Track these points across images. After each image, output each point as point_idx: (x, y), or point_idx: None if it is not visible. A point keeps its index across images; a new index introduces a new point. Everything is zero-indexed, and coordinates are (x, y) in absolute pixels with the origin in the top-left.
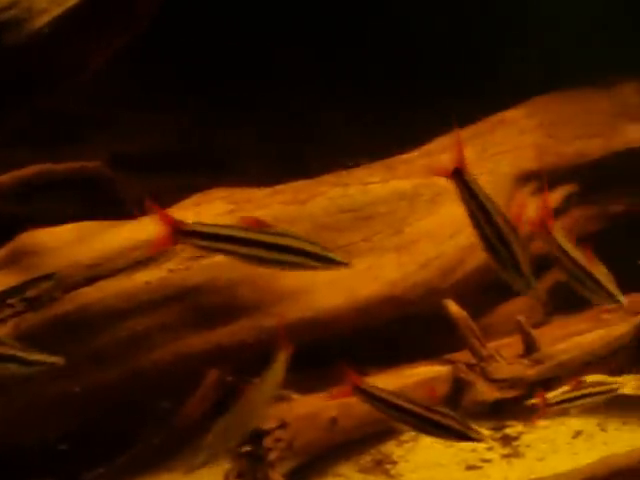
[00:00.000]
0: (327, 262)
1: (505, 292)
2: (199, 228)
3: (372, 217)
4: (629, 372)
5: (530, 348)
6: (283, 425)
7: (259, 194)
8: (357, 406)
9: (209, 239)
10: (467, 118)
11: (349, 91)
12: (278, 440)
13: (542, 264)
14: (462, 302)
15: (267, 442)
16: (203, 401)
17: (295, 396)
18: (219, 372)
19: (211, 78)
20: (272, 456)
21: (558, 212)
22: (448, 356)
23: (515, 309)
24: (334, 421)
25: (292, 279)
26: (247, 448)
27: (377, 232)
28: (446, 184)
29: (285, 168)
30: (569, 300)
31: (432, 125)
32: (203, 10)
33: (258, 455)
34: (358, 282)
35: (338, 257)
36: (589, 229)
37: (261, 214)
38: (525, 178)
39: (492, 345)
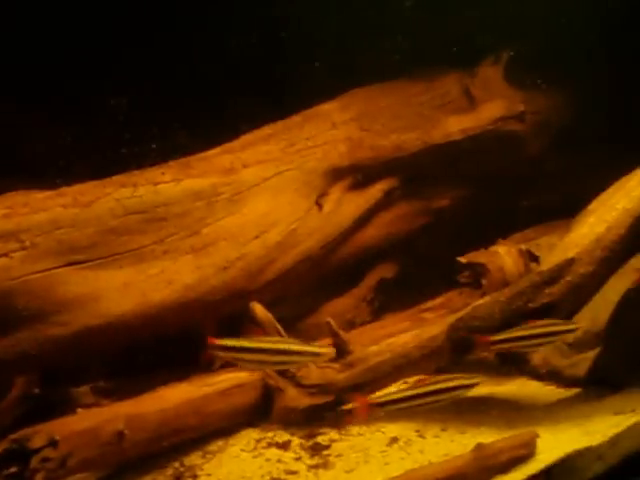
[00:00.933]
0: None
1: (332, 290)
2: None
3: (165, 219)
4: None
5: (341, 351)
6: (53, 443)
7: (39, 197)
8: (150, 417)
9: None
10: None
11: (156, 90)
12: (46, 460)
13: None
14: (282, 302)
15: (33, 462)
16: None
17: (80, 410)
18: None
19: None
20: (38, 477)
21: (379, 208)
22: None
23: (341, 308)
24: (121, 435)
25: (77, 286)
26: (12, 469)
27: (171, 234)
28: (249, 181)
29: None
30: (396, 298)
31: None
32: None
33: (23, 477)
34: (150, 287)
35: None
36: (414, 224)
37: (39, 218)
38: (338, 173)
39: None
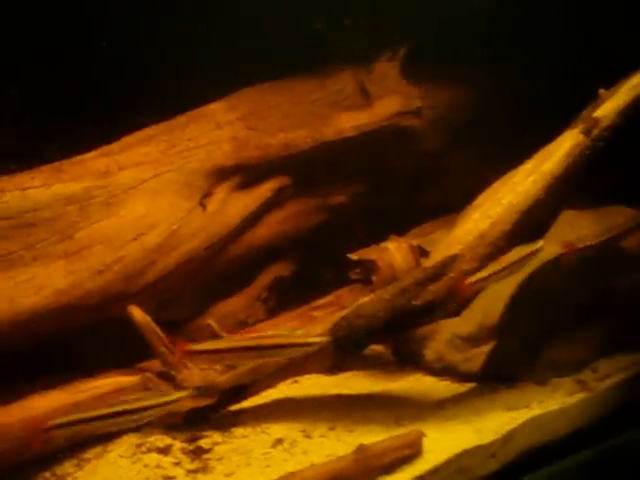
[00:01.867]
0: None
1: (225, 290)
2: None
3: (34, 224)
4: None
5: None
6: None
7: None
8: (15, 426)
9: None
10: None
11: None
12: None
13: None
14: (173, 304)
15: None
16: None
17: None
18: None
19: None
20: None
21: (271, 206)
22: (143, 365)
23: (234, 308)
24: None
25: None
26: None
27: (41, 240)
28: (125, 183)
29: None
30: (293, 296)
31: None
32: None
33: None
34: (19, 293)
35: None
36: (310, 222)
37: None
38: (222, 173)
39: None
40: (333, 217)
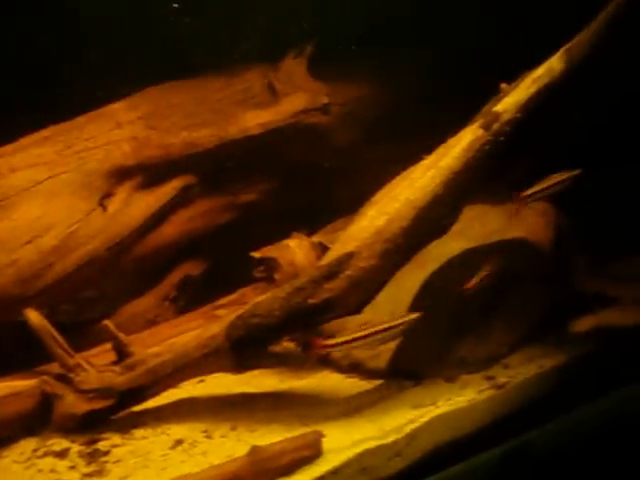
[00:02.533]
0: None
1: (134, 291)
2: None
3: None
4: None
5: (121, 354)
6: None
7: None
8: None
9: None
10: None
11: None
12: None
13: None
14: (70, 306)
15: None
16: None
17: None
18: None
19: None
20: None
21: (177, 205)
22: (41, 368)
23: (142, 308)
24: None
25: None
26: None
27: None
28: (18, 185)
29: None
30: (205, 295)
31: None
32: None
33: None
34: None
35: None
36: (219, 220)
37: None
38: (123, 173)
39: (90, 353)
40: (243, 215)
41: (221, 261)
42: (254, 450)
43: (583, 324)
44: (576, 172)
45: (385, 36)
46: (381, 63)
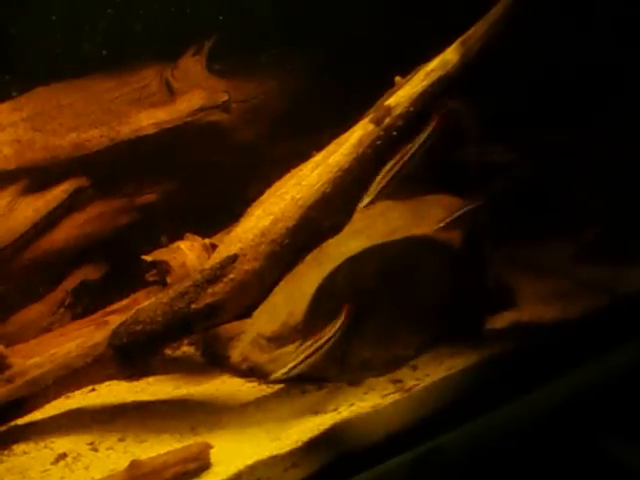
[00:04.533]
0: None
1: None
2: None
3: None
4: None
5: (0, 366)
6: None
7: None
8: None
9: None
10: None
11: None
12: None
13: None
14: None
15: None
16: None
17: None
18: None
19: None
20: None
21: (68, 209)
22: None
23: (35, 315)
24: None
25: None
26: None
27: None
28: None
29: None
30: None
31: None
32: None
33: None
34: None
35: None
36: (117, 223)
37: None
38: (5, 177)
39: None
40: (143, 217)
41: (120, 265)
42: (133, 464)
43: (497, 321)
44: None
45: (286, 34)
46: (282, 60)
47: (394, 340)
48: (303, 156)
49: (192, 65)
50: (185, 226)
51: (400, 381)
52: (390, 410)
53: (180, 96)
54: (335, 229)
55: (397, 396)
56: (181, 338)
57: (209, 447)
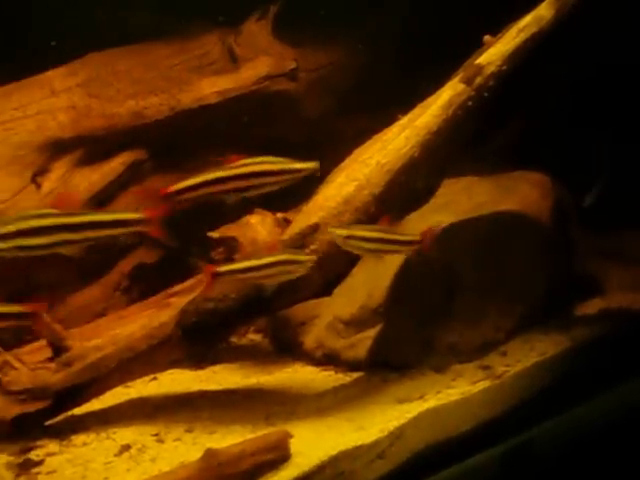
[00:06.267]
0: None
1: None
2: None
3: None
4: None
5: (57, 349)
6: None
7: None
8: None
9: None
10: None
11: None
12: None
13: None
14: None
15: None
16: None
17: None
18: None
19: None
20: None
21: (125, 184)
22: None
23: (89, 300)
24: None
25: None
26: None
27: None
28: None
29: None
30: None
31: None
32: None
33: None
34: None
35: None
36: None
37: None
38: (59, 146)
39: (22, 350)
40: None
41: (178, 246)
42: (208, 453)
43: (586, 308)
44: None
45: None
46: (353, 27)
47: (484, 323)
48: (369, 132)
49: (257, 31)
50: (245, 206)
51: (489, 367)
52: (480, 398)
53: (244, 63)
54: (419, 200)
55: (487, 383)
56: (256, 317)
57: (289, 436)
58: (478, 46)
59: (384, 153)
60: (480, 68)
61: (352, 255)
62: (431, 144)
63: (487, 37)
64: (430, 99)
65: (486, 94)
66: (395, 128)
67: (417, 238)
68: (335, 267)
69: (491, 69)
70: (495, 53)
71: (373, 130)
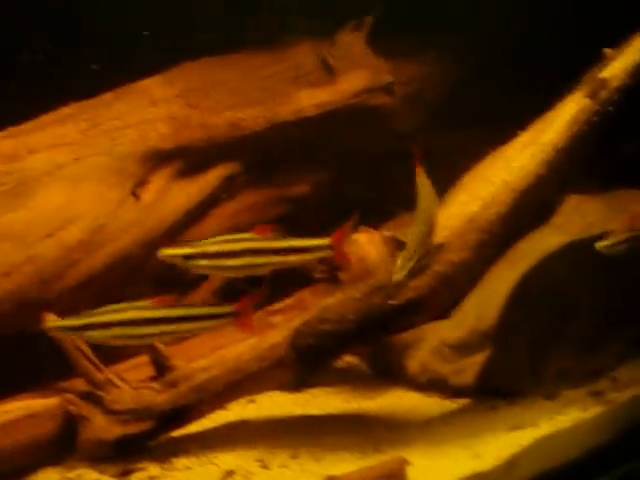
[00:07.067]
0: None
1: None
2: None
3: None
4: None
5: (161, 368)
6: None
7: None
8: None
9: None
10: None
11: None
12: None
13: None
14: None
15: None
16: None
17: None
18: None
19: None
20: None
21: (220, 197)
22: (64, 385)
23: None
24: None
25: None
26: None
27: None
28: (37, 169)
29: None
30: None
31: None
32: None
33: None
34: None
35: None
36: (267, 215)
37: None
38: (159, 157)
39: (123, 367)
40: (294, 209)
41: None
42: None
43: None
44: None
45: (449, 12)
46: (447, 39)
47: (596, 348)
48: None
49: (352, 41)
50: (338, 221)
51: (600, 393)
52: (592, 425)
53: (341, 76)
54: (547, 217)
55: (599, 409)
56: (374, 339)
57: (406, 463)
58: (572, 61)
59: (509, 171)
60: (604, 82)
61: (475, 277)
62: (557, 161)
63: (607, 50)
64: (551, 114)
65: (610, 109)
66: (517, 144)
67: (326, 242)
68: (458, 290)
69: (616, 83)
70: (619, 67)
71: (466, 147)
